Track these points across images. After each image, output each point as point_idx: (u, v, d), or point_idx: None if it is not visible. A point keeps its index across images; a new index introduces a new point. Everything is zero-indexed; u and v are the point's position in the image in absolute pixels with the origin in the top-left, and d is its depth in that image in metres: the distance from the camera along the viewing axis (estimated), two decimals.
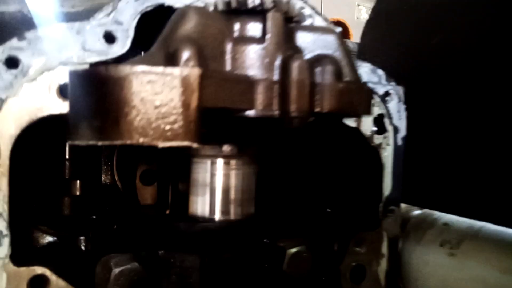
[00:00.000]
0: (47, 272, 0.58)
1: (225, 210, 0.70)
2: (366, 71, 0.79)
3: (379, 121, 0.81)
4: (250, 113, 0.54)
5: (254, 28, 0.56)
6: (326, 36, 0.59)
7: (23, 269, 0.57)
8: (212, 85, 0.50)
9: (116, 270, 0.65)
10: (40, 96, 0.56)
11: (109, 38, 0.59)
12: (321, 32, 0.60)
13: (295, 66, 0.54)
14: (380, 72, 0.80)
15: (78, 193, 0.96)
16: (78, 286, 0.63)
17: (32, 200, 0.83)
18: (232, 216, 0.71)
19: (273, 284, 0.79)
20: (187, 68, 0.48)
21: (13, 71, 0.55)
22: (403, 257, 0.97)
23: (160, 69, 0.47)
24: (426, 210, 1.02)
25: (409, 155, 0.85)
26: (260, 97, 0.54)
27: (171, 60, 0.49)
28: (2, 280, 0.55)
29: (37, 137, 0.64)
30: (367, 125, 0.80)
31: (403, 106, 0.83)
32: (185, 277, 0.71)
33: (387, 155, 0.82)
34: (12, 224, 0.57)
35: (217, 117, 0.57)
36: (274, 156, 0.93)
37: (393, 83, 0.82)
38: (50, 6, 0.79)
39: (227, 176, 0.69)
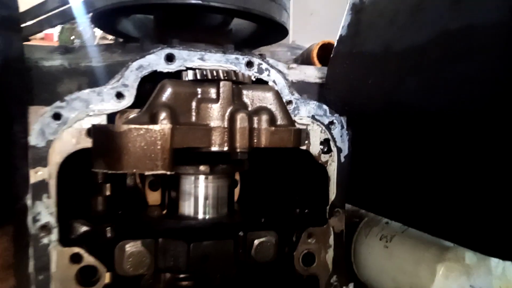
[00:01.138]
0: (81, 251, 0.87)
1: (204, 211, 0.97)
2: (313, 106, 1.02)
3: (325, 144, 1.05)
4: (209, 149, 0.80)
5: (211, 92, 0.82)
6: (264, 93, 0.84)
7: (66, 249, 0.86)
8: (180, 133, 0.76)
9: (128, 252, 0.94)
10: (75, 136, 0.85)
11: (119, 95, 0.86)
12: (261, 90, 0.85)
13: (238, 117, 0.80)
14: (325, 107, 1.03)
15: (108, 193, 1.26)
16: (103, 262, 0.92)
17: (74, 201, 1.13)
18: (210, 215, 0.98)
19: (244, 267, 1.05)
20: (162, 125, 0.74)
21: (58, 122, 0.83)
22: (355, 248, 1.21)
23: (145, 126, 0.74)
24: None
25: (362, 169, 1.08)
26: (215, 138, 0.80)
27: (153, 119, 0.76)
28: (53, 256, 0.85)
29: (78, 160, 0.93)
30: (315, 147, 1.04)
31: (345, 132, 1.06)
32: (177, 258, 0.98)
33: (332, 169, 1.06)
34: (59, 219, 0.86)
35: (189, 152, 0.83)
36: (254, 171, 1.19)
37: (336, 115, 1.05)
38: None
39: (206, 188, 0.96)
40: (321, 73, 1.37)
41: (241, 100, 0.84)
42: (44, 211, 0.84)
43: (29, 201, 0.82)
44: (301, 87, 1.37)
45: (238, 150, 0.79)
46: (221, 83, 0.80)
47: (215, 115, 0.81)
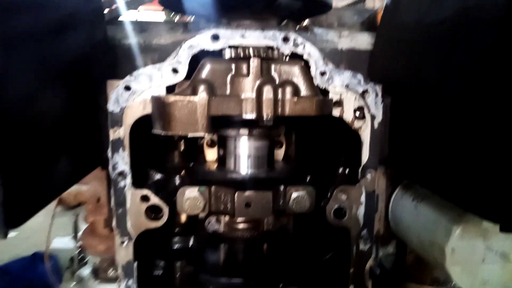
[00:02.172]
0: (149, 193, 1.11)
1: (246, 167, 1.13)
2: (347, 76, 1.09)
3: (358, 111, 1.12)
4: (240, 116, 0.95)
5: (243, 68, 0.95)
6: (291, 68, 0.95)
7: (137, 191, 1.10)
8: (216, 103, 0.92)
9: (186, 196, 1.15)
10: (141, 104, 1.06)
11: (175, 71, 1.04)
12: (288, 65, 0.95)
13: (265, 89, 0.92)
14: (359, 76, 1.09)
15: (182, 148, 1.50)
16: (167, 203, 1.15)
17: (151, 154, 1.38)
18: (251, 170, 1.14)
19: (281, 214, 1.20)
20: (201, 97, 0.91)
21: (128, 92, 1.05)
22: (392, 206, 1.28)
23: (187, 97, 0.91)
24: None
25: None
26: (245, 107, 0.94)
27: (194, 91, 0.93)
28: (128, 195, 1.10)
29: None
30: (348, 114, 1.11)
31: (380, 100, 1.11)
32: (226, 203, 1.18)
33: (366, 134, 1.13)
34: (132, 167, 1.10)
35: (230, 118, 0.98)
36: (300, 134, 1.32)
37: (371, 83, 1.10)
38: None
39: (246, 147, 1.11)
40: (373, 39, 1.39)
41: (269, 75, 0.96)
42: (121, 161, 1.08)
43: (109, 154, 1.07)
44: (351, 55, 1.42)
45: (264, 117, 0.93)
46: (251, 60, 0.93)
47: (246, 88, 0.94)
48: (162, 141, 1.45)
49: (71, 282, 2.12)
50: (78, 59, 1.07)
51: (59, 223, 2.88)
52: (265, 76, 0.95)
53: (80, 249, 2.64)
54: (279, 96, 0.92)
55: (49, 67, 0.91)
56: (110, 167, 1.08)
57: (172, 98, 0.92)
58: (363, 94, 1.10)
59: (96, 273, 1.95)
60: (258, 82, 0.93)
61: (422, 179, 1.06)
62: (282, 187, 1.19)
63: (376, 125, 1.12)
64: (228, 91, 0.96)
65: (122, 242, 1.12)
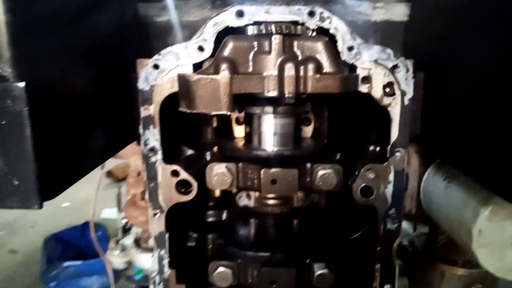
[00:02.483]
0: (178, 168, 1.15)
1: (270, 144, 1.15)
2: (376, 51, 1.05)
3: (388, 87, 1.08)
4: (262, 94, 0.95)
5: (265, 45, 0.94)
6: (313, 44, 0.93)
7: (168, 166, 1.15)
8: (238, 81, 0.93)
9: (214, 172, 1.19)
10: (169, 82, 1.09)
11: (201, 49, 1.05)
12: (311, 41, 0.93)
13: (286, 66, 0.91)
14: (389, 50, 1.05)
15: (215, 125, 1.53)
16: (196, 179, 1.19)
17: (184, 131, 1.42)
18: (276, 148, 1.15)
19: (309, 191, 1.20)
20: (223, 75, 0.92)
21: (156, 71, 1.08)
22: (424, 185, 1.25)
23: (210, 76, 0.93)
24: None
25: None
26: (267, 85, 0.94)
27: (217, 70, 0.94)
28: (159, 170, 1.15)
29: None
30: (377, 90, 1.08)
31: (410, 75, 1.07)
32: (253, 180, 1.20)
33: (395, 111, 1.09)
34: (163, 144, 1.14)
35: (255, 95, 0.99)
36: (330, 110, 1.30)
37: (401, 58, 1.06)
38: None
39: (271, 125, 1.12)
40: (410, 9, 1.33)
41: (292, 51, 0.94)
42: (151, 138, 1.12)
43: (141, 130, 1.12)
44: (386, 27, 1.36)
45: (286, 95, 0.93)
46: (273, 37, 0.92)
47: (268, 65, 0.94)
48: (195, 118, 1.49)
49: (115, 250, 2.26)
50: (109, 38, 1.11)
51: (108, 194, 3.07)
52: (287, 53, 0.94)
53: (123, 219, 2.80)
54: (301, 73, 0.92)
55: (80, 46, 0.95)
56: (141, 143, 1.13)
57: (195, 76, 0.94)
58: (393, 69, 1.06)
59: (138, 243, 2.07)
60: (280, 59, 0.93)
61: (453, 158, 1.02)
62: (309, 165, 1.19)
63: (406, 101, 1.08)
64: (250, 69, 0.96)
65: (155, 214, 1.18)
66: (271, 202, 1.47)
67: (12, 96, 0.62)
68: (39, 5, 0.75)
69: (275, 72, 0.93)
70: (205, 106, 0.94)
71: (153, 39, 1.35)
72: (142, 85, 1.09)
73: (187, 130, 1.47)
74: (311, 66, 0.91)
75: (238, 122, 1.33)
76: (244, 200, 1.49)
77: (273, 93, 0.94)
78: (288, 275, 1.20)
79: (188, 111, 0.98)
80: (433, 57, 1.11)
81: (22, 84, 0.63)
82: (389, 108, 1.09)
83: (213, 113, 0.95)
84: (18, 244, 4.23)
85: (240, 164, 1.20)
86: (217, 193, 1.64)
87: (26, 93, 0.63)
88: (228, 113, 0.94)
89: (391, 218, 1.16)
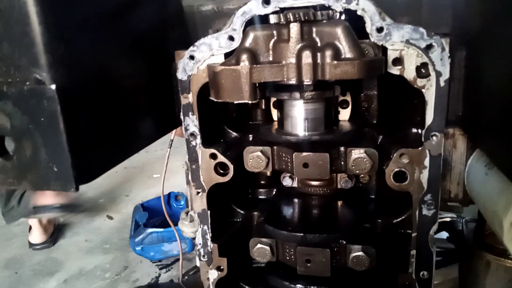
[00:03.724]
0: (216, 151, 1.23)
1: (302, 129, 1.16)
2: (408, 30, 1.00)
3: (422, 68, 1.02)
4: (282, 82, 0.97)
5: (284, 33, 0.95)
6: (332, 29, 0.92)
7: (207, 149, 1.23)
8: (257, 71, 0.96)
9: (250, 155, 1.24)
10: (204, 72, 1.15)
11: (231, 38, 1.10)
12: (329, 26, 0.92)
13: (303, 54, 0.92)
14: (422, 29, 0.99)
15: (263, 107, 1.57)
16: (232, 162, 1.25)
17: (228, 113, 1.49)
18: (307, 133, 1.16)
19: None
20: (243, 66, 0.95)
21: (192, 61, 1.15)
22: (468, 171, 1.17)
23: (232, 67, 0.97)
24: None
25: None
26: (286, 73, 0.95)
27: (238, 61, 0.98)
28: (200, 153, 1.24)
29: None
30: (410, 72, 1.03)
31: (446, 55, 0.99)
32: (287, 163, 1.23)
33: (430, 93, 1.03)
34: (202, 129, 1.22)
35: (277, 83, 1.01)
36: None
37: (436, 37, 0.99)
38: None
39: (301, 110, 1.14)
40: None
41: (311, 38, 0.94)
42: (191, 124, 1.21)
43: (181, 117, 1.21)
44: (433, 1, 1.26)
45: (305, 83, 0.94)
46: (291, 25, 0.93)
47: (287, 53, 0.95)
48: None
49: (185, 221, 2.46)
50: (152, 31, 1.20)
51: None
52: (306, 40, 0.94)
53: None
54: (319, 60, 0.91)
55: (121, 41, 1.05)
56: (183, 129, 1.23)
57: (219, 67, 0.99)
58: (427, 49, 1.00)
59: None
60: (298, 47, 0.94)
61: (488, 147, 0.94)
62: (342, 148, 1.19)
63: (442, 83, 1.02)
64: (271, 58, 0.98)
65: (198, 193, 1.28)
66: (313, 183, 1.50)
67: (47, 97, 0.74)
68: (74, 9, 0.85)
69: (294, 60, 0.95)
70: (229, 96, 0.99)
71: (198, 28, 1.42)
72: (180, 75, 1.17)
73: (234, 113, 1.54)
74: (328, 53, 0.91)
75: (275, 106, 1.36)
76: (287, 181, 1.53)
77: (292, 81, 0.96)
78: (323, 255, 1.23)
79: (215, 100, 1.04)
80: (478, 33, 1.01)
81: (53, 87, 0.74)
82: (423, 90, 1.03)
83: (236, 102, 0.99)
84: (114, 211, 4.78)
85: (275, 148, 1.24)
86: (268, 172, 1.71)
87: (57, 95, 0.74)
88: (250, 102, 0.98)
89: (427, 204, 1.11)
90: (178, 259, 3.47)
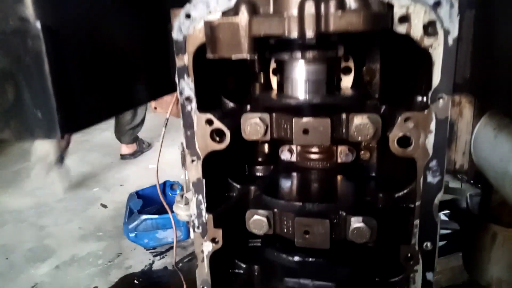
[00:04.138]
0: (212, 117, 1.18)
1: (302, 92, 1.11)
2: None
3: (429, 26, 0.98)
4: (283, 36, 0.92)
5: None
6: None
7: (203, 114, 1.18)
8: (257, 23, 0.91)
9: (248, 121, 1.19)
10: (201, 31, 1.10)
11: None
12: None
13: (307, 4, 0.87)
14: None
15: (262, 81, 1.52)
16: (228, 128, 1.20)
17: (226, 85, 1.44)
18: (307, 96, 1.12)
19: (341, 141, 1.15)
20: (241, 17, 0.90)
21: (189, 20, 1.10)
22: (475, 138, 1.13)
23: (230, 19, 0.92)
24: None
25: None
26: (287, 26, 0.90)
27: (237, 13, 0.93)
28: (195, 119, 1.19)
29: None
30: (417, 30, 0.98)
31: (455, 12, 0.95)
32: (286, 130, 1.18)
33: (437, 53, 0.99)
34: (197, 93, 1.17)
35: (283, 40, 0.96)
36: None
37: None
38: None
39: (301, 71, 1.09)
40: None
41: None
42: (186, 87, 1.16)
43: (176, 80, 1.16)
44: None
45: (307, 35, 0.89)
46: None
47: (289, 5, 0.90)
48: (242, 72, 1.50)
49: (180, 204, 2.41)
50: None
51: None
52: None
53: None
54: (322, 10, 0.87)
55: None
56: (177, 92, 1.17)
57: (216, 21, 0.94)
58: (435, 6, 0.96)
59: None
60: None
61: (501, 106, 0.90)
62: (344, 115, 1.14)
63: (450, 41, 0.97)
64: (271, 9, 0.94)
65: (192, 161, 1.23)
66: (312, 156, 1.45)
67: (32, 36, 0.69)
68: None
69: (296, 12, 0.90)
70: (227, 50, 0.94)
71: None
72: (176, 35, 1.12)
73: (232, 84, 1.49)
74: (332, 3, 0.86)
75: (275, 73, 1.31)
76: (286, 154, 1.48)
77: (294, 35, 0.91)
78: (322, 226, 1.19)
79: (213, 56, 0.99)
80: None
81: (38, 24, 0.69)
82: (430, 50, 0.99)
83: (233, 57, 0.94)
84: (108, 200, 4.72)
85: (274, 114, 1.19)
86: (266, 149, 1.66)
87: (43, 33, 0.69)
88: (249, 57, 0.93)
89: (432, 171, 1.07)
90: (173, 247, 3.43)
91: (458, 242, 1.55)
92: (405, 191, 1.34)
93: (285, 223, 1.25)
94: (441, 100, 1.02)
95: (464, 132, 1.16)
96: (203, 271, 1.34)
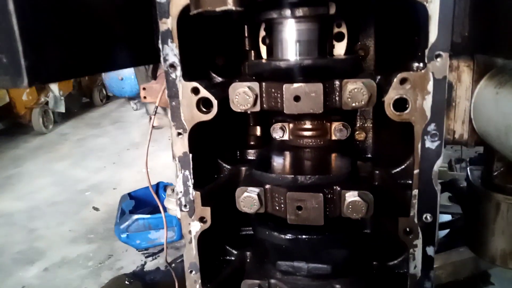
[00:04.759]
0: (199, 86, 1.11)
1: (293, 53, 1.05)
2: None
3: None
4: None
5: None
6: None
7: (188, 83, 1.11)
8: None
9: (236, 91, 1.13)
10: None
11: None
12: None
13: None
14: None
15: (248, 47, 1.44)
16: (216, 98, 1.13)
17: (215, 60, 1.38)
18: (298, 57, 1.06)
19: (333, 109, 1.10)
20: None
21: None
22: (475, 102, 1.07)
23: None
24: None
25: None
26: None
27: None
28: (180, 87, 1.12)
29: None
30: None
31: None
32: (276, 99, 1.12)
33: (434, 7, 0.93)
34: (182, 60, 1.11)
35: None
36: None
37: None
38: None
39: (291, 31, 1.03)
40: None
41: None
42: (170, 53, 1.10)
43: (160, 45, 1.10)
44: None
45: None
46: None
47: None
48: (233, 46, 1.43)
49: (171, 197, 2.33)
50: None
51: None
52: None
53: None
54: None
55: None
56: (161, 59, 1.11)
57: None
58: None
59: None
60: None
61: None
62: (337, 81, 1.08)
63: None
64: None
65: (178, 134, 1.16)
66: (305, 133, 1.39)
67: None
68: None
69: None
70: (210, 3, 0.88)
71: None
72: None
73: (221, 59, 1.43)
74: None
75: (264, 42, 1.25)
76: (278, 132, 1.42)
77: None
78: (315, 200, 1.12)
79: (196, 11, 0.93)
80: None
81: None
82: (426, 4, 0.94)
83: (217, 9, 0.88)
84: (101, 203, 4.63)
85: (264, 84, 1.13)
86: (258, 131, 1.60)
87: None
88: (235, 9, 0.87)
89: (430, 135, 1.01)
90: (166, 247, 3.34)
91: (459, 232, 1.49)
92: (403, 166, 1.28)
93: (276, 199, 1.18)
94: (438, 58, 0.96)
95: (463, 99, 1.10)
96: (190, 254, 1.26)
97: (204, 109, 1.14)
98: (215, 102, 1.11)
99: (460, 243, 2.69)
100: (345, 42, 1.18)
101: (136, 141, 6.54)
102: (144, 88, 2.17)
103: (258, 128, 1.59)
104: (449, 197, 1.54)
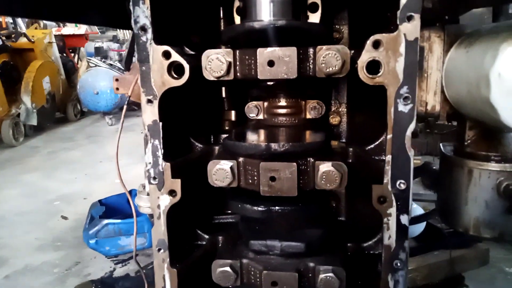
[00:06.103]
0: (170, 50, 1.06)
1: (267, 13, 1.04)
2: None
3: None
4: None
5: None
6: None
7: (159, 46, 1.06)
8: None
9: (209, 59, 1.09)
10: None
11: None
12: None
13: None
14: None
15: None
16: (188, 63, 1.09)
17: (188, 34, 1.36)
18: (273, 17, 1.04)
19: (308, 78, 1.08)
20: None
21: None
22: (446, 69, 1.07)
23: None
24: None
25: None
26: None
27: None
28: (151, 51, 1.08)
29: None
30: None
31: None
32: (250, 62, 1.09)
33: None
34: (154, 22, 1.06)
35: None
36: None
37: None
38: None
39: None
40: None
41: None
42: (141, 15, 1.06)
43: (130, 7, 1.06)
44: None
45: None
46: None
47: None
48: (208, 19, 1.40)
49: (143, 194, 2.25)
50: None
51: None
52: None
53: None
54: None
55: None
56: (132, 21, 1.07)
57: None
58: None
59: None
60: None
61: None
62: (311, 49, 1.07)
63: None
64: None
65: (148, 101, 1.11)
66: (280, 111, 1.36)
67: None
68: None
69: None
70: None
71: None
72: None
73: (193, 35, 1.40)
74: None
75: (239, 12, 1.23)
76: (253, 110, 1.39)
77: None
78: (288, 170, 1.08)
79: None
80: None
81: None
82: None
83: None
84: (70, 212, 4.44)
85: (238, 50, 1.11)
86: (233, 116, 1.56)
87: None
88: None
89: (403, 98, 1.00)
90: (137, 255, 3.20)
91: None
92: (376, 143, 1.27)
93: (250, 172, 1.14)
94: (410, 20, 0.96)
95: (435, 69, 1.11)
96: (159, 230, 1.19)
97: (176, 75, 1.10)
98: (187, 66, 1.08)
99: (436, 247, 2.71)
100: (319, 13, 1.17)
101: (110, 154, 6.35)
102: (117, 80, 2.10)
103: (233, 112, 1.56)
104: (421, 181, 1.53)
